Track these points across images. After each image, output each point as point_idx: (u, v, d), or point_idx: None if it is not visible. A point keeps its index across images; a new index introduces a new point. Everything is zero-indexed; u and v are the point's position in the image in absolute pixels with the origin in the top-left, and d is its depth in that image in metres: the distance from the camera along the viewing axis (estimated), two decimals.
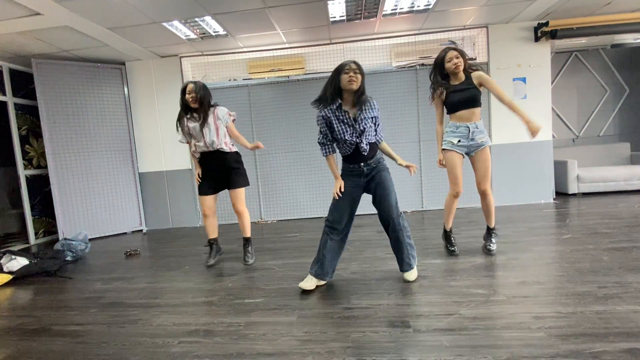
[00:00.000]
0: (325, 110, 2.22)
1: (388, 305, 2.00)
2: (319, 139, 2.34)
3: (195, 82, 2.84)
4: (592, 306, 1.81)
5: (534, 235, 3.21)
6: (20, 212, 4.84)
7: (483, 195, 2.70)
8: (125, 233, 4.87)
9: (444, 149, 2.72)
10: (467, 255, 2.76)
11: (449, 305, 1.94)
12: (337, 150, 2.37)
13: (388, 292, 2.19)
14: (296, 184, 4.90)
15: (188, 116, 2.91)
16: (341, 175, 2.35)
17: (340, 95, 2.19)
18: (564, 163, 4.94)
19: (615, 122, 5.70)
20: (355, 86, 2.13)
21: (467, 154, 2.70)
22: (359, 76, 2.14)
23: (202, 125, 2.81)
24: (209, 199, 2.95)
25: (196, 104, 2.82)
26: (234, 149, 2.96)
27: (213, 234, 3.07)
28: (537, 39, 4.53)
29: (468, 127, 2.63)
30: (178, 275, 2.88)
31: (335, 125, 2.21)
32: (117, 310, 2.25)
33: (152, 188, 5.03)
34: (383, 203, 2.27)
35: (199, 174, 2.98)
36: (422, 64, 4.67)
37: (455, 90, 2.66)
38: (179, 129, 2.97)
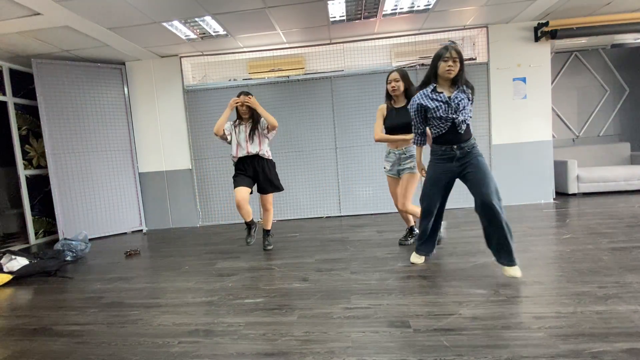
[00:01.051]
0: (418, 96, 2.33)
1: (388, 305, 2.00)
2: (412, 127, 2.49)
3: (247, 94, 3.06)
4: (592, 306, 1.81)
5: (534, 235, 3.21)
6: (20, 212, 4.84)
7: (402, 211, 2.93)
8: (125, 233, 4.87)
9: (386, 174, 3.03)
10: (467, 255, 2.76)
11: (449, 305, 1.94)
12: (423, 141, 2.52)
13: (388, 292, 2.19)
14: (296, 184, 4.90)
15: (236, 122, 3.15)
16: (431, 160, 2.41)
17: (436, 79, 2.27)
18: (564, 163, 4.93)
19: (615, 122, 5.70)
20: (452, 76, 2.18)
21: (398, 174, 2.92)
22: (458, 64, 2.16)
23: (250, 136, 3.03)
24: (244, 191, 3.06)
25: (246, 115, 3.07)
26: (271, 156, 3.19)
27: (248, 217, 3.17)
28: (537, 39, 4.53)
29: (396, 153, 2.88)
30: (178, 275, 2.88)
31: (429, 105, 2.26)
32: (117, 310, 2.25)
33: (152, 188, 5.03)
34: (482, 188, 2.17)
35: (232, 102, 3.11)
36: (422, 64, 4.67)
37: (393, 113, 2.84)
38: (229, 126, 3.13)
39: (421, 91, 2.32)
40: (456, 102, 2.19)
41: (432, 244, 2.64)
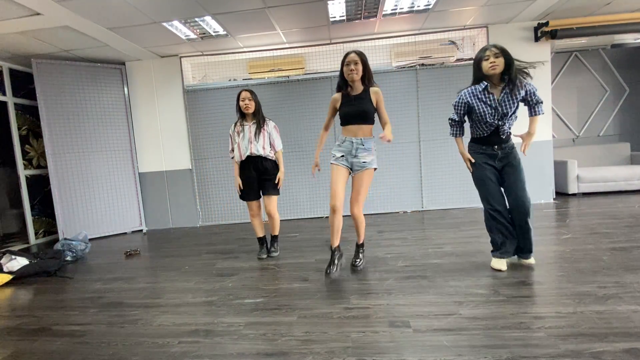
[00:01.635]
0: (467, 92, 2.28)
1: (388, 305, 2.00)
2: (451, 117, 2.44)
3: (248, 90, 3.04)
4: (592, 306, 1.82)
5: (534, 236, 3.18)
6: (20, 212, 4.84)
7: (353, 216, 2.56)
8: (125, 233, 4.87)
9: (331, 163, 2.58)
10: (467, 255, 2.76)
11: (449, 305, 1.94)
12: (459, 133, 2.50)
13: (388, 292, 2.19)
14: (296, 184, 4.90)
15: (239, 123, 3.08)
16: (473, 157, 2.43)
17: (486, 77, 2.21)
18: (564, 163, 4.93)
19: (615, 122, 5.70)
20: (498, 70, 2.13)
21: (351, 170, 2.57)
22: (501, 59, 2.12)
23: (256, 134, 3.00)
24: (254, 203, 3.15)
25: (249, 110, 3.00)
26: (273, 157, 3.13)
27: (261, 232, 3.24)
28: (537, 39, 4.53)
29: (352, 141, 2.51)
30: (178, 275, 2.88)
31: (476, 107, 2.24)
32: (117, 310, 2.25)
33: (152, 188, 5.03)
34: (515, 190, 2.32)
35: (240, 185, 3.10)
36: (422, 64, 4.67)
37: (350, 101, 2.52)
38: (231, 134, 3.11)
39: (471, 88, 2.27)
40: (505, 108, 2.17)
41: (511, 247, 2.41)
